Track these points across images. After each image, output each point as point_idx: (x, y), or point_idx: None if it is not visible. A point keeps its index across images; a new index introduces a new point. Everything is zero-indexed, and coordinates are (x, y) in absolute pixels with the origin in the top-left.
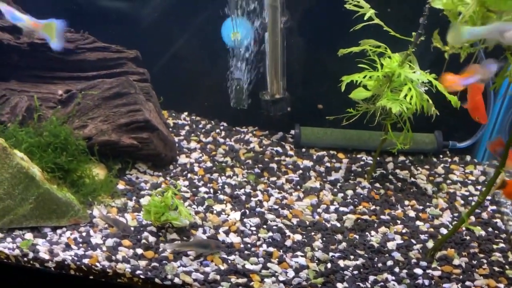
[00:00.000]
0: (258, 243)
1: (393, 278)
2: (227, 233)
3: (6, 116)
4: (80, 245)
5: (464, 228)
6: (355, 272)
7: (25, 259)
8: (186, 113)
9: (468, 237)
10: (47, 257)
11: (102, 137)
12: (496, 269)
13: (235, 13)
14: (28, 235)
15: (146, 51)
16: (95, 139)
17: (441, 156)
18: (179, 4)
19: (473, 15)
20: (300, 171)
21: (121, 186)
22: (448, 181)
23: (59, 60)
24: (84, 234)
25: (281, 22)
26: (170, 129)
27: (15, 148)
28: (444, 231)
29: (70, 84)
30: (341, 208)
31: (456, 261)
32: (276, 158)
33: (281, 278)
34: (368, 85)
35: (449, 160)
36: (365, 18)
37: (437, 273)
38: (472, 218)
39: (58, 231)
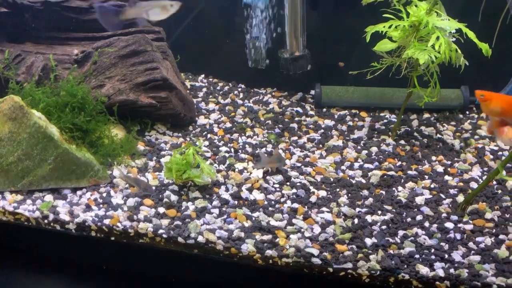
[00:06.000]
0: (282, 199)
1: (423, 232)
2: (250, 190)
3: (22, 76)
4: (101, 205)
5: (495, 182)
6: (384, 227)
7: (46, 221)
8: (203, 76)
9: (499, 191)
10: (67, 218)
11: (120, 97)
12: None
13: None
14: (48, 197)
15: None
16: (113, 98)
17: (467, 112)
18: None
19: None
20: (322, 130)
21: (140, 147)
22: (476, 137)
23: (74, 20)
24: (104, 194)
25: None
26: (188, 91)
27: (32, 108)
28: (474, 185)
29: (85, 45)
30: (366, 165)
31: (488, 215)
32: (296, 118)
33: (307, 234)
34: (393, 36)
35: (476, 116)
36: None
37: (469, 227)
38: (503, 172)
39: (78, 192)
